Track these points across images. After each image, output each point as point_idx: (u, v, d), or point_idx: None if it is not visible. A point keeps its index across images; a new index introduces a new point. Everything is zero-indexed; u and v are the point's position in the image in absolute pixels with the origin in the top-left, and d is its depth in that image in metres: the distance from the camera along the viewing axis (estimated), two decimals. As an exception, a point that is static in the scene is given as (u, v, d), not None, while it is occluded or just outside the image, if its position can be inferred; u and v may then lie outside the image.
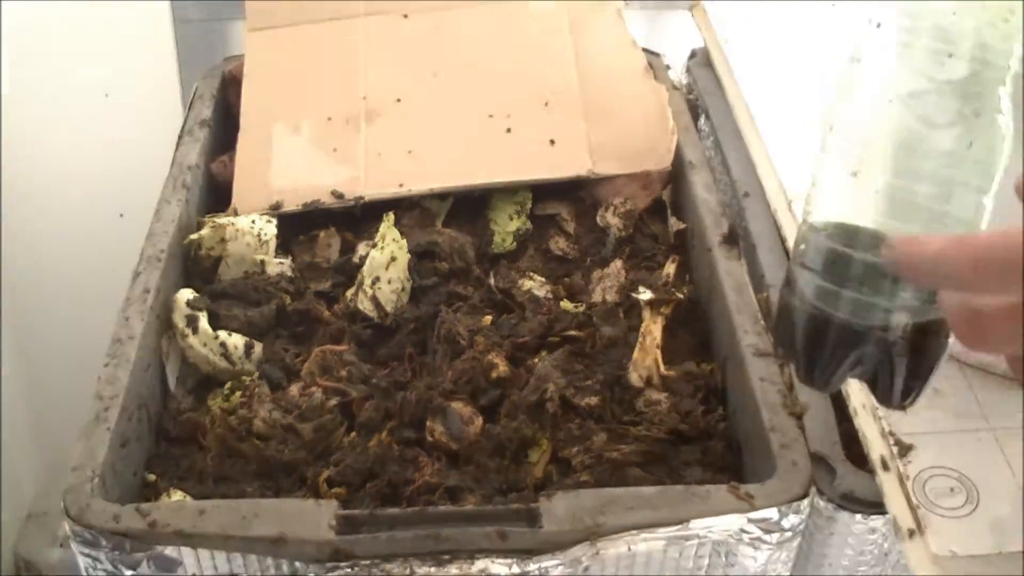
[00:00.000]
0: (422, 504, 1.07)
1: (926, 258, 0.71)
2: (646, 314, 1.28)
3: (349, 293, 1.34)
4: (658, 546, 1.01)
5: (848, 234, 0.78)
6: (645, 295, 1.30)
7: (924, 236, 0.72)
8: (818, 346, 0.82)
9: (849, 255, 0.78)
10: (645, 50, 1.61)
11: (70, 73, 1.84)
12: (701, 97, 1.66)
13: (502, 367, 1.22)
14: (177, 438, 1.20)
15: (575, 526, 1.00)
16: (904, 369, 0.82)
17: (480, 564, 0.99)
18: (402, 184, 1.45)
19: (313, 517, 1.01)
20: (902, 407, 0.86)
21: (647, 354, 1.24)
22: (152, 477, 1.15)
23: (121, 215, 1.93)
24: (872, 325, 0.79)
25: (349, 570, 0.99)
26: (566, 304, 1.34)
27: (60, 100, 1.86)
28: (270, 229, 1.39)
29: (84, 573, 1.03)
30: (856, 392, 1.11)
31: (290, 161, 1.48)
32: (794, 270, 0.83)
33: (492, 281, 1.38)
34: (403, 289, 1.34)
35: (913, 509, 0.99)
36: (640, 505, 1.02)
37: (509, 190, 1.49)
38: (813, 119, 1.46)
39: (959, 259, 0.69)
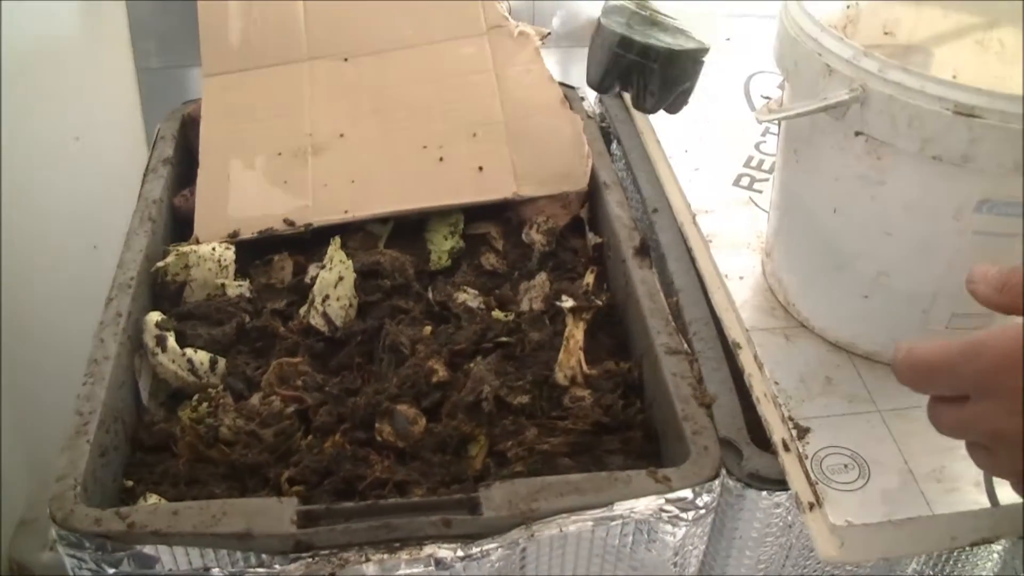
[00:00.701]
0: (374, 498, 1.07)
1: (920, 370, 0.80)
2: (569, 320, 1.28)
3: (302, 310, 1.33)
4: (587, 527, 1.01)
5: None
6: (568, 303, 1.30)
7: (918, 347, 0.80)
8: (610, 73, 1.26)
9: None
10: (561, 84, 1.62)
11: (43, 120, 1.82)
12: (613, 125, 1.66)
13: (442, 372, 1.22)
14: (151, 447, 1.19)
15: (512, 512, 1.00)
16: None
17: (428, 550, 0.99)
18: (347, 211, 1.45)
19: (276, 513, 1.00)
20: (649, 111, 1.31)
21: (571, 356, 1.24)
22: (129, 483, 1.14)
23: (95, 247, 1.91)
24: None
25: (310, 560, 0.98)
26: (497, 313, 1.34)
27: (35, 145, 1.84)
28: (229, 255, 1.39)
29: (71, 573, 1.02)
30: (759, 382, 1.12)
31: (245, 193, 1.47)
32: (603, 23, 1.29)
33: (430, 295, 1.37)
34: (351, 305, 1.33)
35: (812, 485, 1.00)
36: (569, 491, 1.02)
37: (443, 213, 1.49)
38: (712, 142, 1.48)
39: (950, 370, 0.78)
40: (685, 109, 1.41)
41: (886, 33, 1.22)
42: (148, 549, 0.99)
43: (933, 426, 0.82)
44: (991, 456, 0.78)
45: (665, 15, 1.34)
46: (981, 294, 0.82)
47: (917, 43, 1.22)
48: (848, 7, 1.19)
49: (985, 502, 0.98)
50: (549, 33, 1.69)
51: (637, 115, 1.62)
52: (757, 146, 1.49)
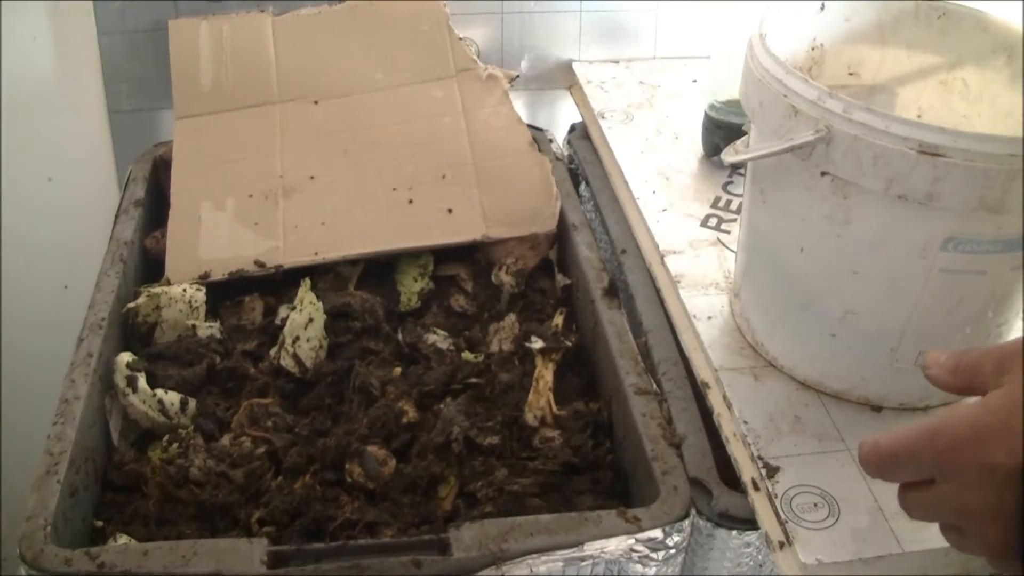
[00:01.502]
0: (344, 538, 1.06)
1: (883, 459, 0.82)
2: (538, 361, 1.28)
3: (273, 351, 1.33)
4: (557, 567, 1.01)
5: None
6: (537, 344, 1.30)
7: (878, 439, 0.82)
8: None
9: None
10: (530, 126, 1.62)
11: (16, 160, 1.81)
12: (581, 166, 1.67)
13: (411, 413, 1.21)
14: (121, 487, 1.18)
15: (482, 552, 1.00)
16: None
17: (398, 591, 0.98)
18: (317, 252, 1.45)
19: (246, 554, 1.00)
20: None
21: (540, 396, 1.24)
22: (100, 523, 1.13)
23: (65, 287, 1.90)
24: None
25: (280, 601, 0.98)
26: (467, 355, 1.34)
27: (8, 185, 1.83)
28: (200, 296, 1.38)
29: (40, 613, 1.01)
30: (728, 422, 1.12)
31: (216, 235, 1.47)
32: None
33: (400, 337, 1.37)
34: (321, 346, 1.33)
35: (782, 524, 1.00)
36: (539, 531, 1.02)
37: (413, 254, 1.49)
38: (680, 183, 1.49)
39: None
40: (652, 152, 1.53)
41: (851, 74, 1.23)
42: (118, 590, 0.98)
43: (905, 512, 0.84)
44: (963, 536, 0.80)
45: None
46: (935, 378, 0.85)
47: (881, 83, 1.23)
48: (812, 48, 1.20)
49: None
50: (517, 76, 1.70)
51: (605, 157, 1.62)
52: (724, 187, 1.49)
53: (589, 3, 1.84)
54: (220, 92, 1.63)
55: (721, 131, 1.52)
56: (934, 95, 1.21)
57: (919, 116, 1.20)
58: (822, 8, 1.18)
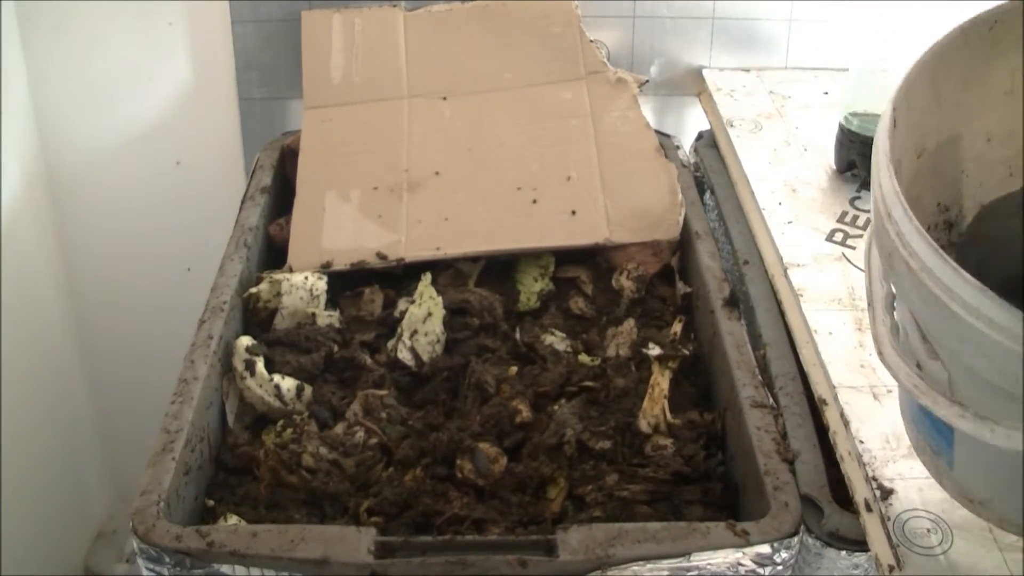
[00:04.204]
0: (451, 533, 1.07)
1: None
2: (655, 368, 1.28)
3: (390, 344, 1.35)
4: (662, 576, 1.01)
5: None
6: (654, 351, 1.30)
7: None
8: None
9: None
10: (657, 132, 1.62)
11: (147, 143, 1.86)
12: (707, 175, 1.66)
13: (525, 413, 1.22)
14: (234, 468, 1.21)
15: (588, 556, 1.00)
16: None
17: (503, 589, 0.99)
18: (439, 248, 1.46)
19: (353, 542, 1.01)
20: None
21: (655, 404, 1.24)
22: (211, 503, 1.16)
23: (188, 269, 1.94)
24: None
25: (385, 591, 0.99)
26: (583, 358, 1.34)
27: (138, 167, 1.88)
28: (321, 285, 1.40)
29: (148, 586, 1.03)
30: (843, 440, 1.11)
31: (340, 225, 1.49)
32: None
33: (517, 336, 1.38)
34: (438, 341, 1.34)
35: (893, 547, 0.98)
36: (646, 539, 1.02)
37: (534, 255, 1.50)
38: (806, 196, 1.48)
39: None
40: (779, 163, 1.50)
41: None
42: (225, 568, 1.00)
43: None
44: None
45: None
46: None
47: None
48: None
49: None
50: (647, 80, 1.70)
51: (732, 166, 1.62)
52: (852, 201, 1.48)
53: (722, 8, 1.83)
54: (350, 84, 1.66)
55: (856, 145, 1.50)
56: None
57: None
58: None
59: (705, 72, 1.87)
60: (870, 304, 0.94)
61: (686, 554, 1.01)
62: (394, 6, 1.73)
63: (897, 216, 0.83)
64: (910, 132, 0.93)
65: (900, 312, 0.92)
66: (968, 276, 0.76)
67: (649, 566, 1.00)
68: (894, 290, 0.92)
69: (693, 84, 1.89)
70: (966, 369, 0.84)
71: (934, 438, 0.95)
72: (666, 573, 1.01)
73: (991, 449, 0.83)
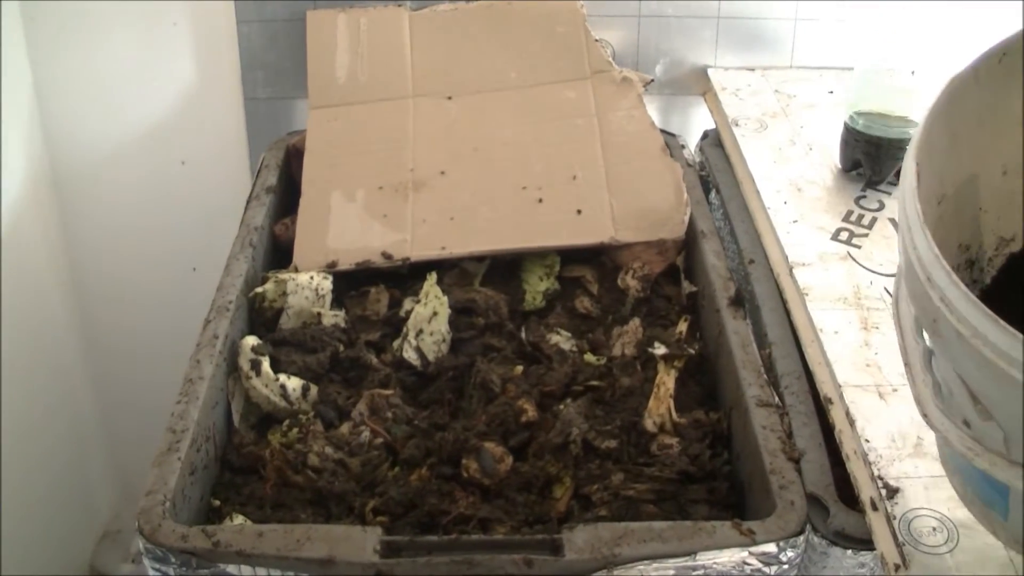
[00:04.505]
0: (457, 533, 1.07)
1: None
2: (660, 367, 1.28)
3: (395, 343, 1.35)
4: (668, 575, 1.01)
5: None
6: (660, 350, 1.30)
7: None
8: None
9: None
10: (662, 131, 1.62)
11: (152, 143, 1.86)
12: (712, 174, 1.66)
13: (531, 412, 1.22)
14: (240, 468, 1.21)
15: (594, 555, 1.00)
16: None
17: (508, 588, 0.99)
18: (444, 247, 1.46)
19: (359, 542, 1.01)
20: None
21: (661, 403, 1.24)
22: (217, 502, 1.16)
23: (194, 269, 1.94)
24: None
25: (391, 590, 0.99)
26: (589, 357, 1.34)
27: (143, 167, 1.88)
28: (326, 285, 1.41)
29: (154, 586, 1.04)
30: (849, 439, 1.11)
31: (345, 225, 1.50)
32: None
33: (523, 335, 1.38)
34: (443, 341, 1.35)
35: (899, 546, 0.98)
36: (652, 538, 1.02)
37: (540, 254, 1.50)
38: (812, 195, 1.48)
39: None
40: (784, 162, 1.50)
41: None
42: (231, 568, 1.00)
43: None
44: None
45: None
46: None
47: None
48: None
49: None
50: (652, 80, 1.70)
51: (737, 165, 1.62)
52: (857, 200, 1.48)
53: (727, 8, 1.83)
54: (355, 84, 1.66)
55: (861, 144, 1.50)
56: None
57: None
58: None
59: (710, 71, 1.87)
60: (907, 364, 0.91)
61: (692, 553, 1.01)
62: (399, 6, 1.74)
63: (940, 282, 0.79)
64: (931, 181, 0.90)
65: (942, 370, 0.88)
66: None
67: (655, 565, 1.01)
68: (932, 347, 0.88)
69: (698, 83, 1.89)
70: None
71: (985, 491, 0.92)
72: (672, 572, 1.01)
73: None
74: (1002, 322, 0.73)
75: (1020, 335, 0.72)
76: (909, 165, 0.86)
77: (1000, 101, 0.96)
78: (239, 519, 1.12)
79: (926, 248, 0.80)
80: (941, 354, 0.85)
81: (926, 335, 0.89)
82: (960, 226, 0.99)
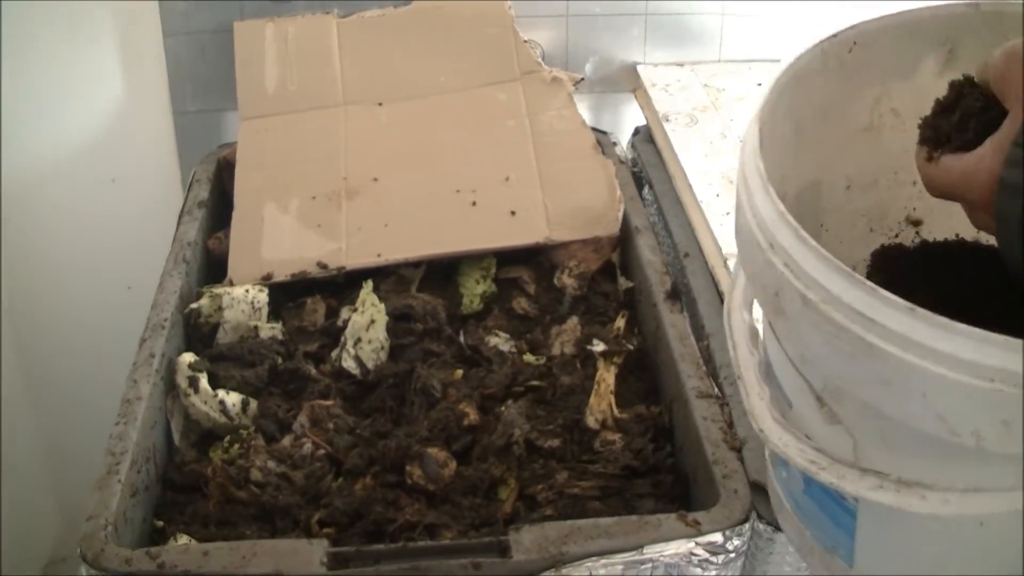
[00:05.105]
0: (404, 540, 1.07)
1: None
2: (600, 364, 1.29)
3: (334, 353, 1.34)
4: (617, 570, 1.01)
5: None
6: (599, 347, 1.31)
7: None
8: None
9: None
10: (594, 129, 1.63)
11: (82, 161, 1.84)
12: (645, 169, 1.67)
13: (472, 415, 1.22)
14: (182, 487, 1.20)
15: (541, 555, 1.01)
16: None
17: (457, 592, 0.99)
18: (380, 254, 1.46)
19: (306, 555, 1.01)
20: None
21: (602, 399, 1.25)
22: (160, 523, 1.15)
23: (129, 287, 1.92)
24: None
25: (339, 602, 0.99)
26: (528, 357, 1.34)
27: (72, 186, 1.86)
28: (262, 297, 1.40)
29: (100, 612, 1.02)
30: (788, 427, 1.12)
31: (279, 236, 1.49)
32: None
33: (462, 339, 1.38)
34: (382, 348, 1.34)
35: (841, 530, 0.99)
36: (599, 534, 1.02)
37: (476, 257, 1.49)
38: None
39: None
40: (716, 155, 1.52)
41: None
42: (178, 589, 1.00)
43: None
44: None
45: None
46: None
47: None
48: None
49: None
50: (582, 79, 1.71)
51: (669, 160, 1.62)
52: (789, 191, 1.49)
53: (654, 5, 1.84)
54: (285, 94, 1.66)
55: None
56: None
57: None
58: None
59: (640, 68, 1.87)
60: (739, 377, 0.83)
61: (639, 547, 1.02)
62: (327, 13, 1.73)
63: (785, 242, 0.70)
64: (771, 165, 0.80)
65: (784, 378, 0.80)
66: (889, 295, 0.64)
67: (603, 561, 1.01)
68: (775, 332, 0.80)
69: (628, 80, 1.89)
70: (881, 427, 0.72)
71: (826, 528, 0.83)
72: (620, 567, 1.01)
73: (909, 529, 0.74)
74: (857, 276, 0.66)
75: (879, 289, 0.64)
76: (751, 128, 0.82)
77: (847, 99, 0.90)
78: (184, 539, 1.11)
79: (769, 207, 0.73)
80: (785, 338, 0.77)
81: (764, 334, 0.85)
82: None
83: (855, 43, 0.88)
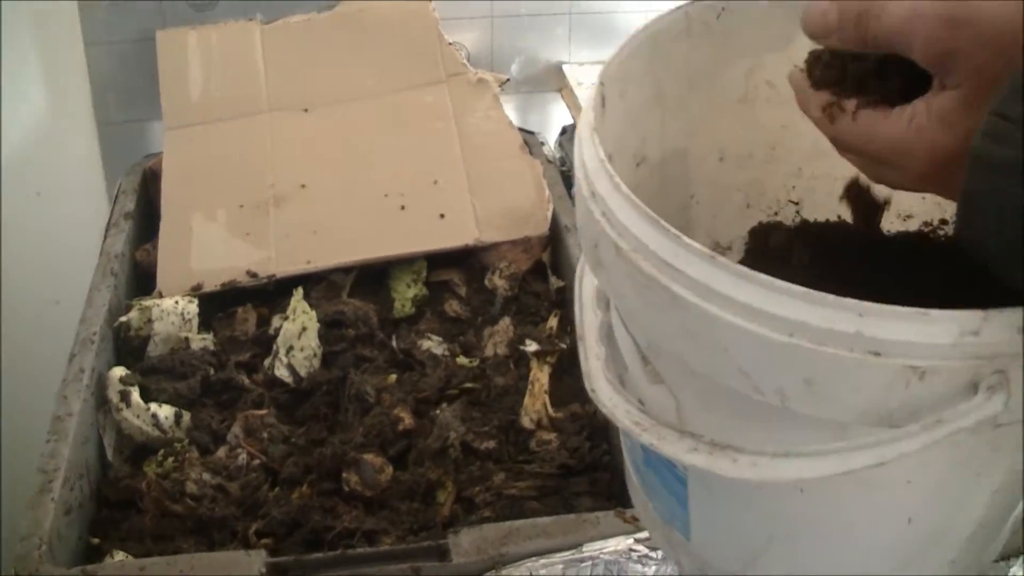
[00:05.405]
0: (343, 547, 1.07)
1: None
2: (533, 364, 1.29)
3: (266, 362, 1.34)
4: (557, 569, 1.01)
5: None
6: (532, 347, 1.31)
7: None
8: None
9: None
10: (521, 129, 1.63)
11: (5, 175, 1.82)
12: (573, 168, 1.67)
13: (407, 420, 1.22)
14: (117, 503, 1.19)
15: (481, 557, 1.01)
16: None
17: (397, 598, 0.99)
18: (309, 261, 1.45)
19: (245, 567, 1.01)
20: None
21: (536, 399, 1.25)
22: (96, 540, 1.14)
23: (57, 302, 1.90)
24: None
25: (279, 612, 0.98)
26: (462, 360, 1.34)
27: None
28: (192, 308, 1.39)
29: (37, 633, 1.01)
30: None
31: (208, 246, 1.48)
32: None
33: (394, 343, 1.38)
34: (315, 355, 1.34)
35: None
36: (538, 534, 1.02)
37: (406, 261, 1.49)
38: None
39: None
40: None
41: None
42: (115, 606, 0.99)
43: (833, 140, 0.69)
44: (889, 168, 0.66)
45: None
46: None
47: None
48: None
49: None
50: (508, 79, 1.71)
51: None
52: (716, 186, 1.50)
53: (578, 4, 1.84)
54: (210, 102, 1.64)
55: None
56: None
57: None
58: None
59: (565, 67, 1.88)
60: (580, 338, 0.78)
61: (578, 546, 1.02)
62: (250, 19, 1.72)
63: (603, 190, 0.67)
64: (627, 127, 0.78)
65: (620, 339, 0.77)
66: (692, 242, 0.60)
67: (543, 561, 1.01)
68: (600, 285, 0.77)
69: (554, 80, 1.90)
70: (698, 386, 0.68)
71: (664, 499, 0.79)
72: (560, 566, 1.02)
73: (733, 495, 0.71)
74: (663, 223, 0.61)
75: (682, 237, 0.60)
76: (596, 89, 0.75)
77: (717, 68, 0.83)
78: (120, 555, 1.10)
79: (593, 156, 0.69)
80: (611, 296, 0.73)
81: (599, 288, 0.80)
82: (666, 210, 0.79)
83: (723, 9, 0.83)
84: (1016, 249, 0.54)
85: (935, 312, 0.55)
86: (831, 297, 0.56)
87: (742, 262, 0.75)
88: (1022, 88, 0.52)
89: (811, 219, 0.91)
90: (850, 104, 0.67)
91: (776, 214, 0.94)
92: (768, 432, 0.64)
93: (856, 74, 0.67)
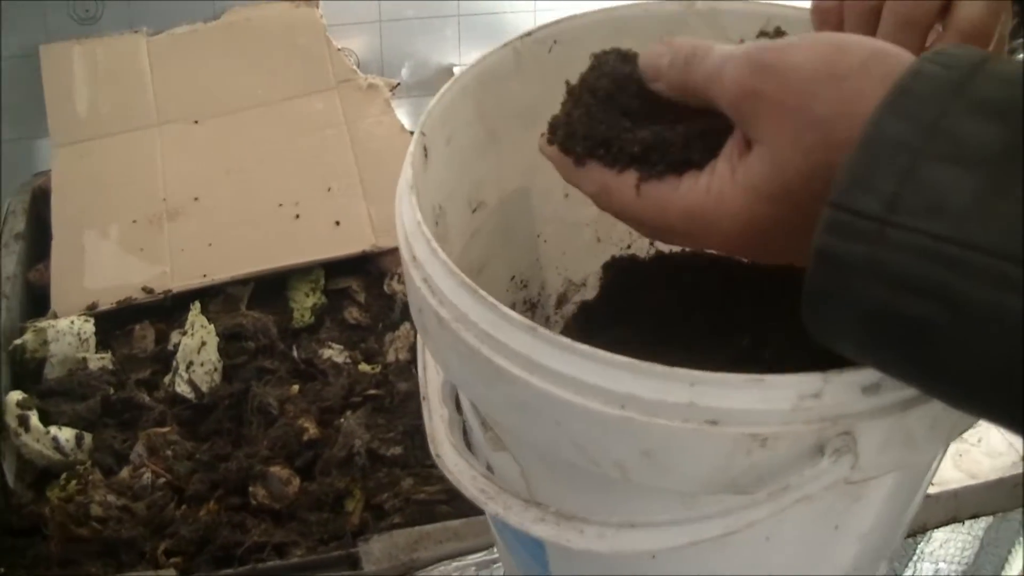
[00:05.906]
0: (254, 562, 1.06)
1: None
2: (437, 367, 1.29)
3: (167, 379, 1.32)
4: (470, 572, 1.02)
5: None
6: (434, 351, 1.31)
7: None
8: None
9: None
10: (413, 133, 1.63)
11: None
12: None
13: (312, 430, 1.21)
14: (21, 531, 1.16)
15: (393, 563, 1.01)
16: None
17: (310, 610, 0.99)
18: (206, 275, 1.44)
19: (153, 587, 0.99)
20: None
21: (441, 403, 1.25)
22: (1, 570, 1.12)
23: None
24: None
25: (191, 631, 0.97)
26: (364, 367, 1.34)
27: None
28: (89, 328, 1.37)
29: (-59, 668, 0.99)
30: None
31: (102, 263, 1.46)
32: None
33: (296, 353, 1.37)
34: (216, 370, 1.32)
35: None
36: (449, 537, 1.03)
37: (304, 270, 1.48)
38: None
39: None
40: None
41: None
42: (22, 636, 0.97)
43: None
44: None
45: None
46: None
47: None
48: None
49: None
50: (398, 84, 1.71)
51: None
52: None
53: (466, 6, 1.85)
54: (98, 117, 1.62)
55: None
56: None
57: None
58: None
59: (456, 69, 1.88)
60: (424, 397, 0.73)
61: (490, 547, 1.02)
62: (135, 32, 1.70)
63: (421, 255, 0.63)
64: (458, 173, 0.76)
65: (464, 400, 0.72)
66: (512, 313, 0.57)
67: (455, 564, 1.02)
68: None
69: (445, 82, 1.89)
70: (537, 454, 0.66)
71: (527, 563, 0.76)
72: (473, 568, 1.02)
73: (591, 559, 0.68)
74: (481, 292, 0.59)
75: (500, 306, 0.58)
76: (415, 141, 0.72)
77: (552, 102, 0.72)
78: (26, 583, 1.08)
79: (411, 218, 0.66)
80: (434, 355, 0.68)
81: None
82: (513, 254, 0.85)
83: (555, 42, 0.81)
84: (875, 349, 0.51)
85: (771, 378, 0.53)
86: (659, 367, 0.54)
87: (598, 298, 0.78)
88: (863, 176, 0.48)
89: (666, 251, 0.88)
90: (629, 178, 0.62)
91: (629, 247, 0.93)
92: (613, 503, 0.62)
93: (672, 143, 0.61)
